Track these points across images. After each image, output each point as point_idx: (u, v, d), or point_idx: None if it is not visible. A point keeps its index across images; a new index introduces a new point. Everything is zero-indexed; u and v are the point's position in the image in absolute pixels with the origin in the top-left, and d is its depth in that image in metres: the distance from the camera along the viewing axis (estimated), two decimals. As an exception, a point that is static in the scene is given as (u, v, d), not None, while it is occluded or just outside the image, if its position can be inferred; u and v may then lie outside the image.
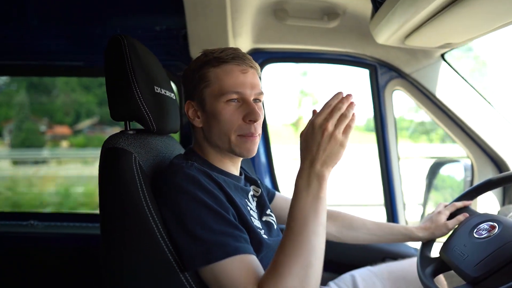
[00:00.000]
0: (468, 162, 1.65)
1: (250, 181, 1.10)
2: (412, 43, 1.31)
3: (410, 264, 1.28)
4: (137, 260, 0.84)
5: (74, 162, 9.70)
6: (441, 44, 1.33)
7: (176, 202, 0.83)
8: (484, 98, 1.55)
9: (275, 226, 1.04)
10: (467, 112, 1.57)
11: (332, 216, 1.28)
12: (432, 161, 1.79)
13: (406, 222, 1.80)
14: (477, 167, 1.62)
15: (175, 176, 0.86)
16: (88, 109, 10.58)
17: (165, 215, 0.84)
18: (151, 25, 1.66)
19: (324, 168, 0.77)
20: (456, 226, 1.13)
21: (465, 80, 1.57)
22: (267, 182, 1.86)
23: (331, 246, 1.49)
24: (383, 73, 1.71)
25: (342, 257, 1.59)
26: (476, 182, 1.45)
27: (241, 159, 1.02)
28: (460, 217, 1.13)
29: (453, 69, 1.57)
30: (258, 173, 1.82)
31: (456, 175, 1.74)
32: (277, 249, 0.79)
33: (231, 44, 1.53)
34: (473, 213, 1.12)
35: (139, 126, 0.99)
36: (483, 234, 0.97)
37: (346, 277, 1.27)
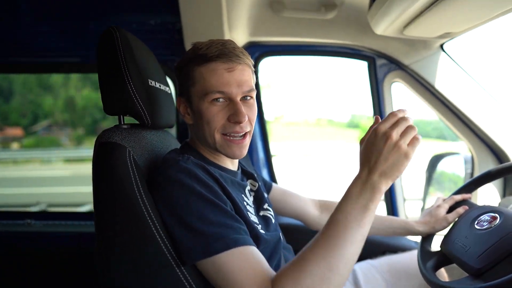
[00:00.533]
0: (468, 154, 1.64)
1: (247, 175, 1.09)
2: (411, 33, 1.29)
3: (411, 257, 1.27)
4: (133, 255, 0.83)
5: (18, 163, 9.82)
6: (440, 33, 1.31)
7: (173, 196, 0.82)
8: (484, 89, 1.54)
9: (273, 221, 1.03)
10: (467, 103, 1.55)
11: (329, 208, 1.27)
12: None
13: (406, 217, 1.79)
14: (477, 159, 1.60)
15: (172, 170, 0.84)
16: (47, 110, 10.62)
17: (162, 209, 0.83)
18: (146, 19, 1.65)
19: (382, 179, 0.72)
20: (456, 219, 1.11)
21: (465, 71, 1.55)
22: (265, 176, 1.85)
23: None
24: (382, 65, 1.70)
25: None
26: (477, 174, 1.44)
27: None
28: (460, 210, 1.11)
29: (453, 59, 1.56)
30: (257, 167, 1.81)
31: (456, 167, 1.73)
32: (307, 244, 0.76)
33: (227, 37, 1.51)
34: (472, 206, 1.11)
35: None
36: (484, 225, 0.96)
37: (346, 271, 1.26)
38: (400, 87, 1.70)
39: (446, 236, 1.06)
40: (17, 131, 10.85)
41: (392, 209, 1.75)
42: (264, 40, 1.73)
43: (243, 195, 0.97)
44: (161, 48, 1.65)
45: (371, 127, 0.78)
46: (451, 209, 1.16)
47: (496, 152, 1.58)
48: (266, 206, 1.05)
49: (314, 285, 0.71)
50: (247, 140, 0.93)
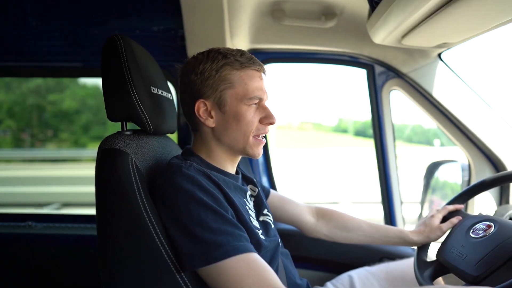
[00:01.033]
0: (465, 162, 1.65)
1: (247, 180, 1.10)
2: (409, 43, 1.31)
3: (408, 265, 1.28)
4: (134, 261, 0.84)
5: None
6: (438, 43, 1.33)
7: (175, 202, 0.83)
8: (481, 98, 1.56)
9: (272, 226, 1.04)
10: (464, 111, 1.57)
11: (325, 216, 1.27)
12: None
13: (404, 221, 1.80)
14: (474, 166, 1.62)
15: (174, 176, 0.86)
16: (7, 109, 10.23)
17: (163, 215, 0.84)
18: (148, 26, 1.66)
19: None
20: (450, 229, 1.13)
21: (462, 80, 1.57)
22: (265, 182, 1.86)
23: (328, 246, 1.51)
24: (380, 73, 1.72)
25: (340, 257, 1.59)
26: (473, 182, 1.45)
27: (240, 158, 1.02)
28: (454, 220, 1.13)
29: (450, 68, 1.58)
30: (256, 173, 1.83)
31: (453, 175, 1.74)
32: None
33: (228, 44, 1.53)
34: (465, 216, 1.12)
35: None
36: (480, 234, 0.97)
37: (343, 277, 1.27)
38: (399, 95, 1.72)
39: (441, 246, 1.07)
40: None
41: (389, 212, 1.77)
42: (265, 47, 1.76)
43: (245, 200, 0.99)
44: (163, 54, 1.67)
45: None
46: (445, 219, 1.17)
47: (493, 161, 1.60)
48: (265, 211, 1.06)
49: None
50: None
